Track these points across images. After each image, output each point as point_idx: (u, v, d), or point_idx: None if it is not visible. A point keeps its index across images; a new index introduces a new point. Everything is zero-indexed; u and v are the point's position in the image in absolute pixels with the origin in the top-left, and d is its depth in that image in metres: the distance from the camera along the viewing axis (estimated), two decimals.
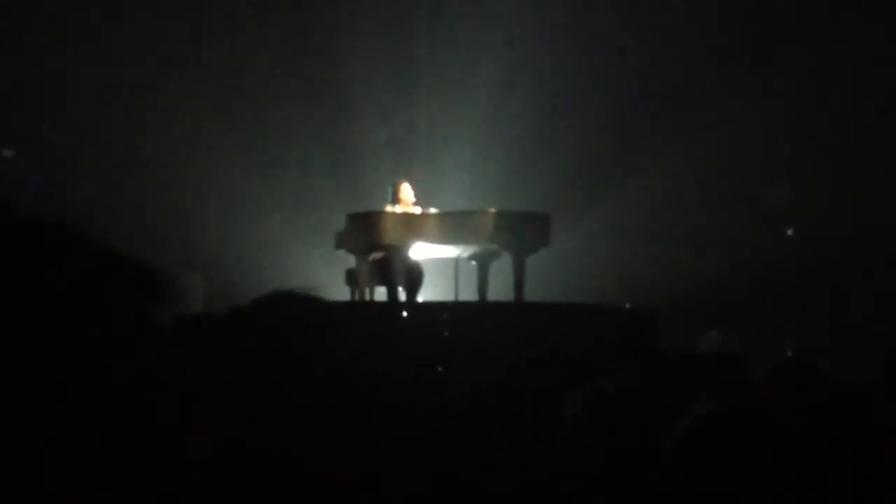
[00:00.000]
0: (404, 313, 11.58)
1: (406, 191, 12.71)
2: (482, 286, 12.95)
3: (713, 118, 16.10)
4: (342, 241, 12.66)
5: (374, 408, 2.22)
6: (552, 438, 2.84)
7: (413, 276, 12.32)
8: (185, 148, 16.12)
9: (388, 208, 12.53)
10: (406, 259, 12.26)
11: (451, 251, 12.79)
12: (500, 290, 12.97)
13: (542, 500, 2.44)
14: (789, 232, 16.86)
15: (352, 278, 12.62)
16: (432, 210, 12.60)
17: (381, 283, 12.36)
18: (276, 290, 2.22)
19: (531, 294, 12.63)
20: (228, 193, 16.38)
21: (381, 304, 12.34)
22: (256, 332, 2.22)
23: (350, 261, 12.65)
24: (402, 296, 12.26)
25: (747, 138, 16.46)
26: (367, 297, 12.38)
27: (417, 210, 12.59)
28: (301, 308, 2.29)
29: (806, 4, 16.50)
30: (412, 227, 12.29)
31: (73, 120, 15.93)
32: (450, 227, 12.40)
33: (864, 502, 2.50)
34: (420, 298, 12.47)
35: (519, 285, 12.42)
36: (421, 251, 12.44)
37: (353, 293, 12.54)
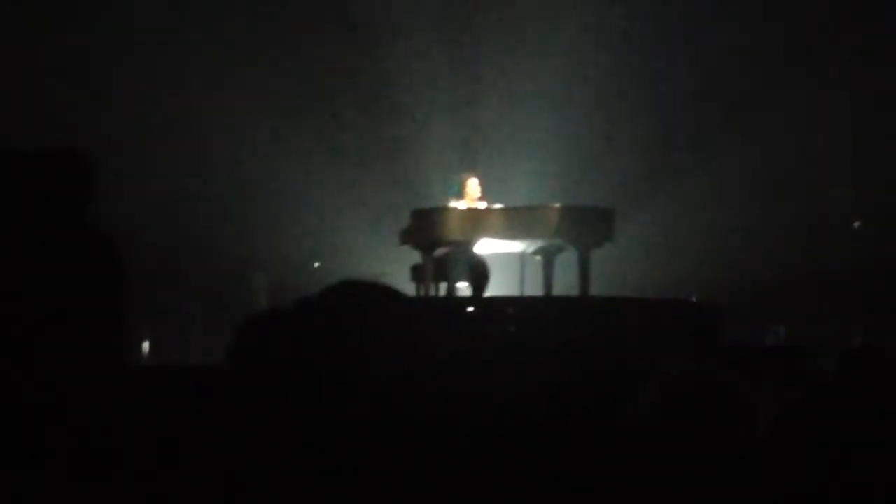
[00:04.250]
0: (471, 309, 11.60)
1: (472, 186, 12.70)
2: (547, 281, 12.95)
3: (777, 111, 16.02)
4: (407, 238, 12.70)
5: (450, 400, 2.24)
6: (627, 428, 2.85)
7: (479, 273, 12.35)
8: (245, 149, 16.23)
9: (453, 204, 12.54)
10: (472, 255, 12.29)
11: (516, 246, 12.81)
12: (565, 284, 12.97)
13: (621, 490, 2.46)
14: (856, 224, 16.73)
15: (417, 275, 12.65)
16: (497, 205, 12.61)
17: (447, 280, 12.39)
18: (345, 279, 2.21)
19: (596, 288, 12.62)
20: (290, 192, 16.46)
21: (451, 299, 12.34)
22: (325, 324, 2.23)
23: (415, 257, 12.70)
24: (468, 292, 12.31)
25: (814, 130, 16.35)
26: (434, 294, 12.41)
27: (482, 205, 12.60)
28: (372, 298, 2.29)
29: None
30: (477, 222, 12.31)
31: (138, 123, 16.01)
32: (515, 222, 12.40)
33: None
34: (486, 294, 12.51)
35: (584, 280, 12.42)
36: (486, 246, 12.46)
37: (418, 289, 12.57)
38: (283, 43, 16.80)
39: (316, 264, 15.69)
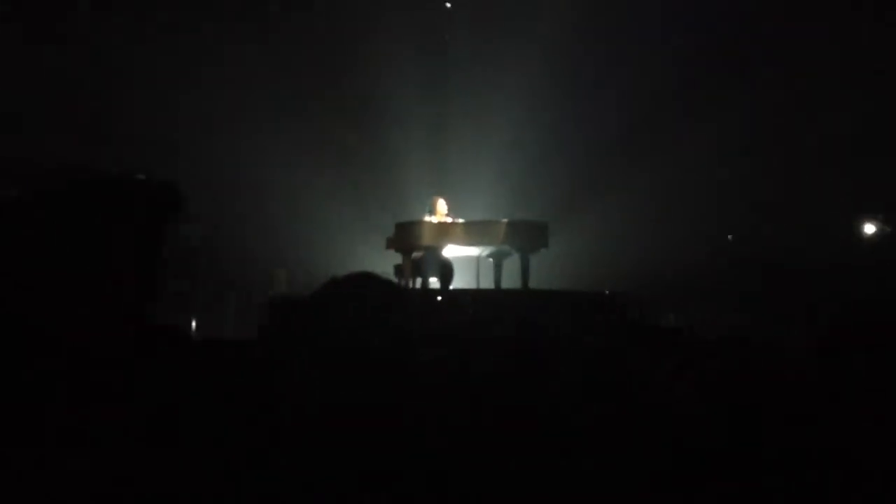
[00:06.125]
0: (439, 298, 11.57)
1: (441, 205, 12.73)
2: (497, 278, 12.94)
3: (671, 149, 16.00)
4: (391, 243, 12.68)
5: (429, 362, 2.22)
6: (557, 384, 2.84)
7: (446, 271, 12.33)
8: (276, 174, 16.12)
9: (427, 218, 12.53)
10: (440, 257, 12.26)
11: (473, 251, 12.79)
12: (511, 280, 12.95)
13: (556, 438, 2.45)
14: (729, 238, 16.76)
15: (399, 272, 12.61)
16: (460, 220, 12.60)
17: (421, 276, 12.36)
18: (360, 271, 2.21)
19: (534, 283, 12.62)
20: (307, 210, 16.42)
21: (431, 290, 12.30)
22: (336, 304, 2.21)
23: (397, 258, 12.67)
24: (437, 285, 12.28)
25: (698, 169, 16.31)
26: (411, 287, 12.37)
27: (449, 220, 12.59)
28: (375, 286, 2.29)
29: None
30: (444, 233, 12.30)
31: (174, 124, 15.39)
32: (472, 233, 12.39)
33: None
34: (451, 287, 12.48)
35: (525, 277, 12.43)
36: (451, 251, 12.44)
37: (399, 283, 12.51)
38: (312, 87, 16.56)
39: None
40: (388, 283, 2.09)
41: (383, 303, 1.99)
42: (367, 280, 1.99)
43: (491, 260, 12.98)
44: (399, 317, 2.03)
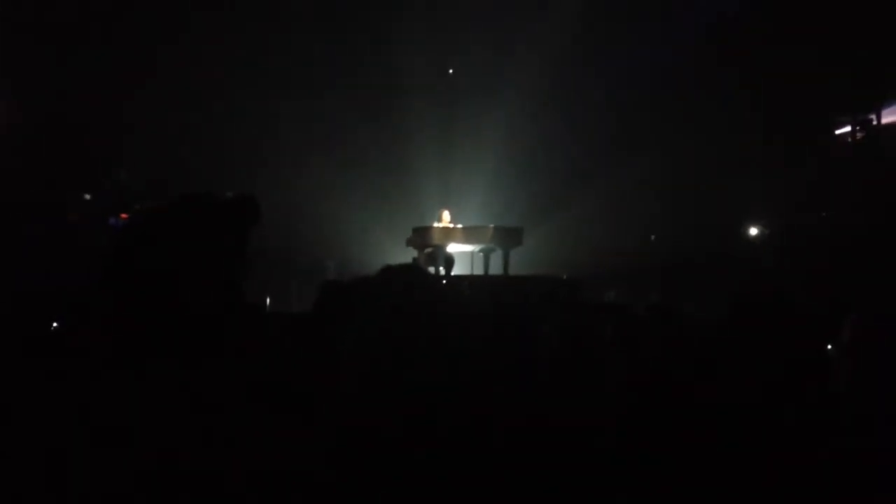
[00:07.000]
0: (444, 282, 11.58)
1: (445, 214, 12.74)
2: (486, 266, 12.95)
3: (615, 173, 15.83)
4: (410, 242, 12.70)
5: (445, 327, 2.19)
6: (534, 349, 2.83)
7: (449, 262, 12.33)
8: (330, 198, 15.91)
9: (436, 224, 12.55)
10: (445, 252, 12.27)
11: (469, 248, 12.79)
12: (495, 268, 12.95)
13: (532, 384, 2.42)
14: (652, 238, 16.69)
15: (415, 263, 12.57)
16: (459, 225, 12.62)
17: (432, 266, 12.37)
18: (405, 263, 2.20)
19: (512, 270, 12.61)
20: (351, 218, 16.36)
21: (439, 276, 12.28)
22: (380, 286, 2.18)
23: (414, 253, 12.67)
24: (442, 272, 12.28)
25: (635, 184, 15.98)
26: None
27: (451, 225, 12.60)
28: (415, 273, 2.26)
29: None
30: (449, 234, 12.31)
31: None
32: (468, 235, 12.41)
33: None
34: (453, 273, 12.48)
35: (505, 265, 12.44)
36: (453, 248, 12.44)
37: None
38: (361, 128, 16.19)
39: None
40: (424, 270, 2.13)
41: (422, 284, 2.00)
42: (411, 268, 2.01)
43: (481, 254, 12.99)
44: (431, 293, 2.04)
